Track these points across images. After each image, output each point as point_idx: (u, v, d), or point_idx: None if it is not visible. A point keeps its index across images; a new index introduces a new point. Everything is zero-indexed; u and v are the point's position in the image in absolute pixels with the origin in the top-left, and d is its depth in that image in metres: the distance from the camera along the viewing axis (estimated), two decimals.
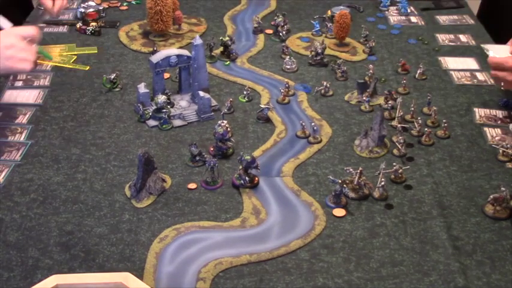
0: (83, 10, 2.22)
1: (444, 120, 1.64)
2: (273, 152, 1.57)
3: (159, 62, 1.68)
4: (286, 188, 1.45)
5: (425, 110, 1.73)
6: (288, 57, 1.97)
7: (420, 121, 1.64)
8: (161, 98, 1.65)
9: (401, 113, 1.66)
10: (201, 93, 1.67)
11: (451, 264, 1.25)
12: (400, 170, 1.46)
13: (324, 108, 1.76)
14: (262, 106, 1.70)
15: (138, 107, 1.68)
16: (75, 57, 1.98)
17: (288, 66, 1.94)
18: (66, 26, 2.19)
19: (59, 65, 1.93)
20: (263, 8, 2.36)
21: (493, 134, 1.64)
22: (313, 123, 1.64)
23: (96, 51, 2.00)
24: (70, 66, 1.92)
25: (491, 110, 1.74)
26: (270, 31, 2.17)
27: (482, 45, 1.82)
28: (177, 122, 1.67)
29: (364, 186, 1.42)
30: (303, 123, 1.63)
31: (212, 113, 1.69)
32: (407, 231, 1.33)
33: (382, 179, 1.41)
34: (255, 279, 1.21)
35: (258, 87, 1.85)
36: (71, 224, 1.34)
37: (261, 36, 2.15)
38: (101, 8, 2.27)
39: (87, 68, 1.92)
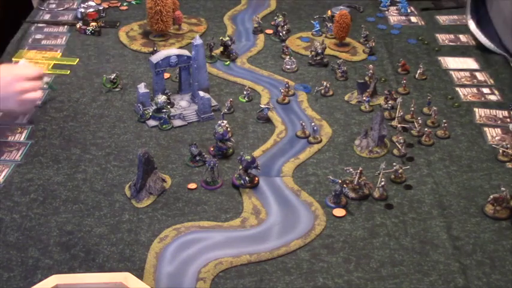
0: (83, 10, 2.22)
1: (444, 120, 1.64)
2: (273, 152, 1.57)
3: (159, 62, 1.68)
4: (286, 188, 1.45)
5: (425, 110, 1.73)
6: (288, 57, 1.97)
7: (420, 121, 1.64)
8: (161, 98, 1.65)
9: (402, 113, 1.66)
10: (201, 93, 1.67)
11: (451, 264, 1.25)
12: (400, 170, 1.46)
13: (324, 108, 1.76)
14: (262, 106, 1.70)
15: (138, 107, 1.68)
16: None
17: (288, 66, 1.94)
18: (66, 26, 2.19)
19: None
20: (263, 8, 2.36)
21: (493, 134, 1.64)
22: (313, 123, 1.64)
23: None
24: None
25: (491, 110, 1.74)
26: (270, 31, 2.17)
27: None
28: (177, 122, 1.67)
29: (364, 186, 1.42)
30: (303, 123, 1.63)
31: (212, 113, 1.69)
32: (407, 231, 1.33)
33: (382, 179, 1.41)
34: (255, 279, 1.21)
35: (258, 87, 1.85)
36: (71, 224, 1.34)
37: (261, 36, 2.15)
38: (101, 8, 2.27)
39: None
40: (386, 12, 2.35)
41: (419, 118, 1.65)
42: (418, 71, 1.91)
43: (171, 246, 1.28)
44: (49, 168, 1.51)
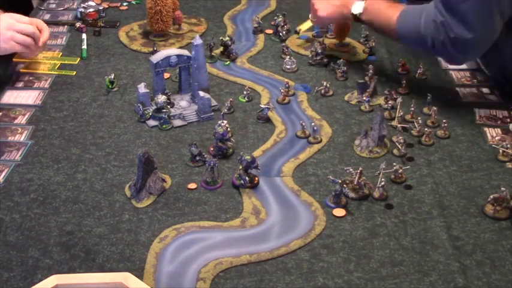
0: (82, 10, 2.22)
1: (444, 120, 1.64)
2: (273, 152, 1.57)
3: (159, 62, 1.68)
4: (286, 188, 1.45)
5: (425, 110, 1.73)
6: (288, 57, 1.97)
7: (420, 121, 1.64)
8: (161, 98, 1.65)
9: (402, 113, 1.66)
10: (201, 93, 1.67)
11: (451, 264, 1.25)
12: (400, 170, 1.46)
13: (324, 108, 1.76)
14: (262, 106, 1.70)
15: (138, 107, 1.68)
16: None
17: (288, 66, 1.94)
18: (66, 26, 2.19)
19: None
20: (263, 8, 2.36)
21: (493, 134, 1.64)
22: (313, 123, 1.64)
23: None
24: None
25: (491, 110, 1.74)
26: (270, 31, 2.17)
27: None
28: (177, 122, 1.67)
29: (364, 186, 1.42)
30: (303, 123, 1.63)
31: (212, 113, 1.69)
32: (407, 231, 1.33)
33: (382, 179, 1.41)
34: (255, 279, 1.21)
35: (258, 87, 1.85)
36: (71, 224, 1.34)
37: (261, 36, 2.15)
38: (101, 8, 2.27)
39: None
40: None
41: (419, 118, 1.65)
42: (418, 71, 1.91)
43: (171, 246, 1.28)
44: (49, 168, 1.51)
